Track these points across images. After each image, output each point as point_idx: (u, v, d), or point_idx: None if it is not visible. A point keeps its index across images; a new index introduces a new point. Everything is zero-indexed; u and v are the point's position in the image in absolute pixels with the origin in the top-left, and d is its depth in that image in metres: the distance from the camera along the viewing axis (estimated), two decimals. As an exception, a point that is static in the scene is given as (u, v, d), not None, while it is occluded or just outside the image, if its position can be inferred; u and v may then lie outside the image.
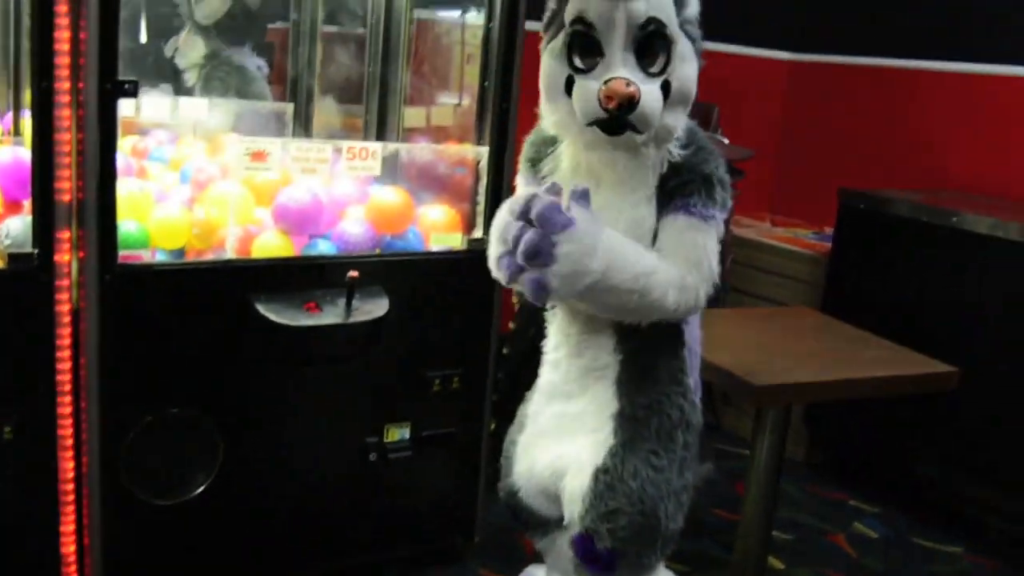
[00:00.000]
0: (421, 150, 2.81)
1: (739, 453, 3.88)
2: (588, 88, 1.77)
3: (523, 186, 2.02)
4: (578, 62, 1.80)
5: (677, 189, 1.84)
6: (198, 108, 2.95)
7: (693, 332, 1.99)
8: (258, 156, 2.39)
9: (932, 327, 3.38)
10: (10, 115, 2.73)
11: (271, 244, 2.45)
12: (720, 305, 3.77)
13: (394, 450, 2.59)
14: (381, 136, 3.11)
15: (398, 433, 2.60)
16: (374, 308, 2.43)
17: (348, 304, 2.38)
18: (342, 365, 2.49)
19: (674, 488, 1.92)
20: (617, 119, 1.75)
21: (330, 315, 2.36)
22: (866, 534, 3.37)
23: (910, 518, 3.50)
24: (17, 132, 2.61)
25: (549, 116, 1.89)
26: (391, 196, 2.63)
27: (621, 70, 1.76)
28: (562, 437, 2.01)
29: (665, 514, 1.89)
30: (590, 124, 1.78)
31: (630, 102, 1.73)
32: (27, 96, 2.43)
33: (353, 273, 2.37)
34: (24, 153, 2.21)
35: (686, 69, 1.81)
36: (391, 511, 2.68)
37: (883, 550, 3.26)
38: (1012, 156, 4.02)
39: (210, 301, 2.32)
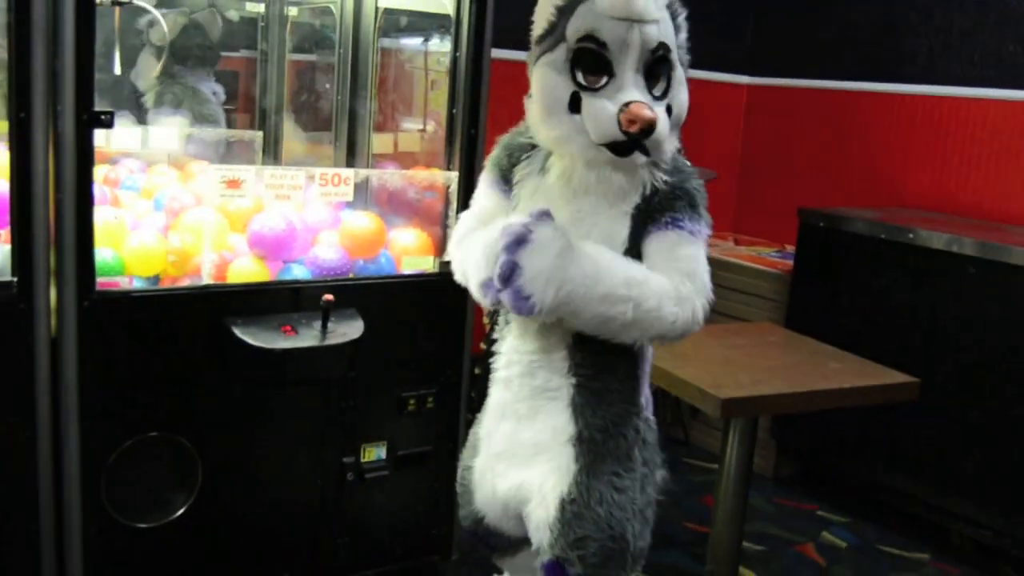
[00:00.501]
0: (391, 176, 2.86)
1: (708, 467, 3.94)
2: (603, 108, 1.75)
3: (485, 188, 2.01)
4: (582, 79, 1.78)
5: (663, 206, 1.82)
6: (168, 137, 2.99)
7: (647, 350, 1.96)
8: (233, 184, 2.43)
9: (892, 340, 3.47)
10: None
11: (247, 269, 2.49)
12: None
13: (371, 469, 2.62)
14: (351, 162, 3.16)
15: (375, 452, 2.64)
16: (349, 330, 2.47)
17: (324, 327, 2.42)
18: (319, 386, 2.53)
19: (639, 506, 1.90)
20: (634, 141, 1.76)
21: (306, 337, 2.40)
22: (835, 543, 3.44)
23: (877, 526, 3.58)
24: (-9, 164, 2.63)
25: (549, 131, 1.84)
26: (363, 221, 2.67)
27: (635, 92, 1.76)
28: (520, 462, 1.97)
29: (633, 534, 1.88)
30: (602, 144, 1.77)
31: (651, 126, 1.74)
32: (2, 126, 2.46)
33: (328, 296, 2.40)
34: (1, 184, 2.24)
35: (683, 94, 1.86)
36: (369, 530, 2.71)
37: (852, 558, 3.33)
38: (965, 174, 4.14)
39: (187, 326, 2.35)
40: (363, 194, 2.91)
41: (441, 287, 2.53)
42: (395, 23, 3.23)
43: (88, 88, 2.12)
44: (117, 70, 2.96)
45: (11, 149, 2.10)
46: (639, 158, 1.78)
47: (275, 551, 2.57)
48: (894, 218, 3.74)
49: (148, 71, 3.10)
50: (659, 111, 1.78)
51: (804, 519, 3.63)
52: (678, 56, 1.85)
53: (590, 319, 1.75)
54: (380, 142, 3.21)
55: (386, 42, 3.20)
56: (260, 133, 3.24)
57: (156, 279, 2.46)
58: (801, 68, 4.84)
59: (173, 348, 2.34)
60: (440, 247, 2.75)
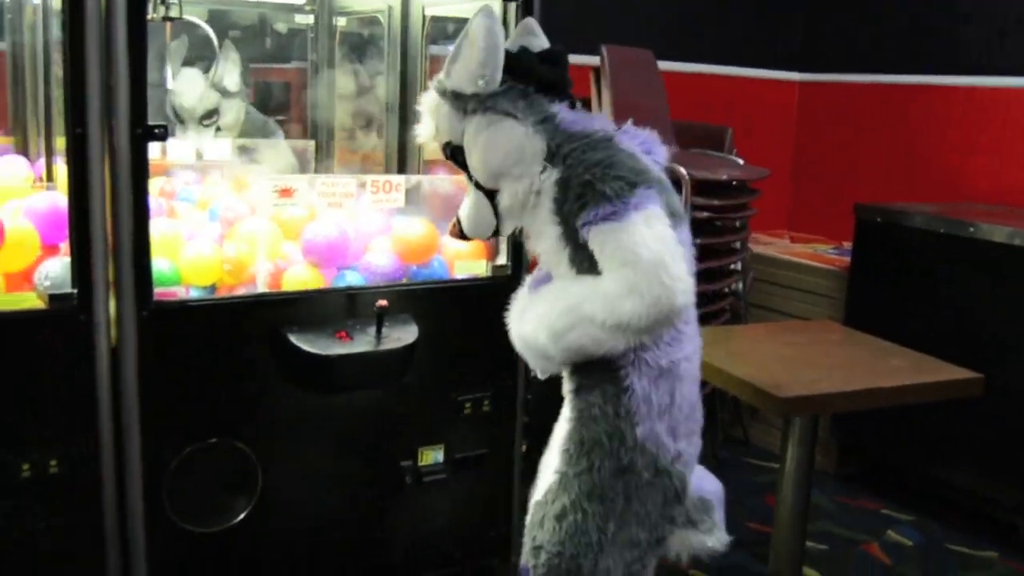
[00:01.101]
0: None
1: (769, 467, 3.90)
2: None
3: None
4: None
5: (574, 211, 1.77)
6: (223, 149, 3.03)
7: (645, 382, 1.80)
8: (285, 193, 2.46)
9: (955, 335, 3.40)
10: (42, 161, 2.81)
11: (301, 277, 2.51)
12: (742, 321, 3.81)
13: (428, 473, 2.63)
14: (402, 169, 3.17)
15: (432, 456, 2.65)
16: (404, 335, 2.48)
17: (378, 332, 2.43)
18: (375, 391, 2.54)
19: (608, 542, 1.83)
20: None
21: (361, 343, 2.41)
22: (900, 542, 3.38)
23: (944, 525, 3.52)
24: (50, 178, 2.68)
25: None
26: (415, 227, 2.68)
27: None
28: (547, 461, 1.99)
29: (590, 570, 1.82)
30: None
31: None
32: (59, 142, 2.51)
33: (382, 302, 2.42)
34: (59, 198, 2.28)
35: (473, 159, 1.90)
36: (427, 533, 2.72)
37: (918, 558, 3.28)
38: (1021, 166, 4.06)
39: (244, 334, 2.38)
40: (415, 200, 2.91)
41: (494, 291, 2.54)
42: (443, 30, 3.24)
43: (141, 102, 2.15)
44: (170, 84, 3.01)
45: (68, 164, 2.13)
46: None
47: (335, 554, 2.59)
48: (953, 212, 3.68)
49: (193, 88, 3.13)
50: (464, 209, 1.99)
51: (868, 518, 3.57)
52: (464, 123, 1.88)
53: (566, 357, 1.82)
54: (431, 148, 3.21)
55: (434, 49, 3.21)
56: (312, 142, 3.27)
57: (212, 288, 2.49)
58: (854, 63, 4.78)
59: (230, 356, 2.37)
60: (492, 251, 2.75)
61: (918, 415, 3.33)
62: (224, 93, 3.02)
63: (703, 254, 3.55)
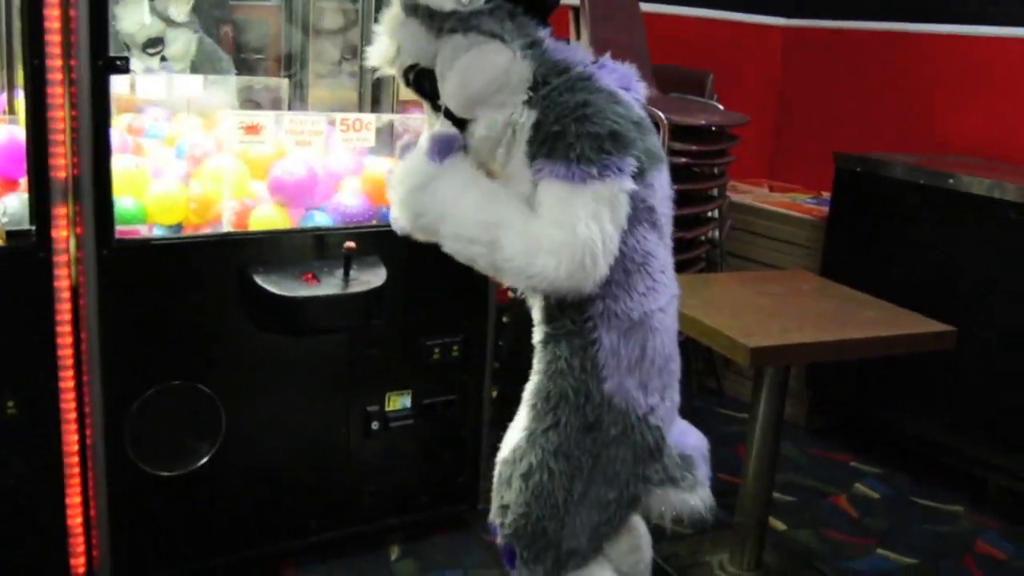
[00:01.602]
0: (415, 121, 2.81)
1: (741, 417, 3.90)
2: None
3: None
4: None
5: (534, 153, 1.68)
6: (193, 85, 2.96)
7: (614, 335, 1.73)
8: (252, 130, 2.40)
9: (930, 288, 3.39)
10: (3, 95, 2.73)
11: (268, 217, 2.46)
12: (717, 269, 3.79)
13: (396, 418, 2.62)
14: (376, 109, 3.11)
15: (399, 401, 2.63)
16: (372, 278, 2.44)
17: (346, 274, 2.40)
18: (342, 335, 2.51)
19: (575, 502, 1.78)
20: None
21: (328, 286, 2.38)
22: (867, 494, 3.39)
23: (911, 478, 3.53)
24: (12, 111, 2.62)
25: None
26: (386, 167, 2.63)
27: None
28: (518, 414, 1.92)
29: (555, 530, 1.79)
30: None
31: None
32: (20, 75, 2.44)
33: (350, 244, 2.38)
34: (19, 131, 2.22)
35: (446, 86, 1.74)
36: (394, 478, 2.70)
37: (884, 510, 3.29)
38: (1011, 119, 4.02)
39: (208, 274, 2.34)
40: (387, 140, 2.86)
41: (465, 234, 2.50)
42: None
43: (103, 34, 2.09)
44: (146, 19, 2.93)
45: (26, 96, 2.08)
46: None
47: (300, 499, 2.57)
48: (934, 163, 3.65)
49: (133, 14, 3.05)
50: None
51: (837, 470, 3.58)
52: (437, 45, 1.73)
53: (454, 253, 1.73)
54: (405, 88, 3.15)
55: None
56: (285, 80, 3.20)
57: (179, 227, 2.44)
58: (841, 9, 4.71)
59: (194, 296, 2.33)
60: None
61: (891, 367, 3.33)
62: (169, 22, 2.93)
63: (680, 200, 3.50)
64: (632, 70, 1.83)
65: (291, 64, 3.35)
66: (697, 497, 1.88)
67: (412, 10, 1.73)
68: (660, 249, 1.78)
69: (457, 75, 1.70)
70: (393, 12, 1.78)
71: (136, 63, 2.90)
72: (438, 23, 1.70)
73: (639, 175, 1.69)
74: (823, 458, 3.67)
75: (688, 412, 3.81)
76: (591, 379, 1.75)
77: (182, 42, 2.98)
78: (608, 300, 1.71)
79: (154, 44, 2.94)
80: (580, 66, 1.74)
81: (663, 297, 1.78)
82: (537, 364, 1.84)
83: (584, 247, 1.60)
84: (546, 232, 1.61)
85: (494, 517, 1.87)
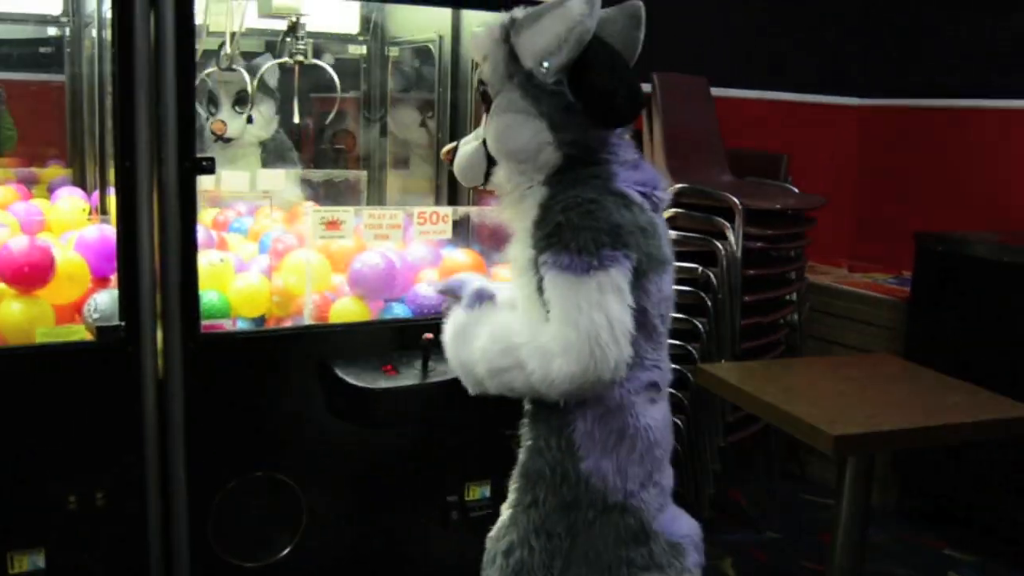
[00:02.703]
0: (491, 212, 2.85)
1: (827, 503, 3.80)
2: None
3: None
4: None
5: (537, 247, 1.72)
6: (275, 179, 3.05)
7: (588, 418, 1.74)
8: (332, 225, 2.45)
9: (1018, 369, 3.30)
10: (96, 194, 2.84)
11: (348, 309, 2.50)
12: (798, 353, 3.74)
13: (475, 508, 2.60)
14: (453, 200, 3.16)
15: (479, 491, 2.62)
16: (450, 369, 2.45)
17: (424, 365, 2.42)
18: (421, 425, 2.52)
19: None
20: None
21: (407, 377, 2.40)
22: (962, 584, 3.28)
23: (1008, 566, 3.40)
24: (104, 210, 2.71)
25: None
26: (463, 258, 2.67)
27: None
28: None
29: None
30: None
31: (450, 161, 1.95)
32: (113, 174, 2.54)
33: (428, 335, 2.40)
34: (109, 230, 2.30)
35: (494, 124, 1.81)
36: (474, 569, 2.68)
37: (980, 600, 3.18)
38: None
39: (290, 366, 2.38)
40: (464, 231, 2.90)
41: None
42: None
43: (189, 135, 2.17)
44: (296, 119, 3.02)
45: (117, 196, 2.15)
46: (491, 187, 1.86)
47: (380, 590, 2.57)
48: (1017, 240, 3.58)
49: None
50: (466, 146, 1.89)
51: (930, 557, 3.47)
52: (504, 85, 1.78)
53: (500, 392, 1.80)
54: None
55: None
56: (364, 173, 3.28)
57: (261, 320, 2.49)
58: (915, 87, 4.69)
59: (276, 388, 2.37)
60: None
61: (982, 451, 3.24)
62: (263, 85, 3.08)
63: (757, 285, 3.51)
64: (657, 174, 1.87)
65: (369, 156, 3.43)
66: None
67: (504, 39, 1.77)
68: (647, 346, 1.77)
69: (498, 126, 1.80)
70: (494, 31, 1.80)
71: (224, 114, 3.03)
72: (513, 68, 1.76)
73: (635, 276, 1.70)
74: (915, 545, 3.56)
75: (770, 498, 3.75)
76: (567, 458, 1.76)
77: (268, 108, 3.07)
78: None
79: (243, 103, 3.01)
80: (608, 164, 1.79)
81: (647, 387, 1.79)
82: (523, 441, 1.88)
83: (588, 338, 1.63)
84: (554, 335, 1.66)
85: None
